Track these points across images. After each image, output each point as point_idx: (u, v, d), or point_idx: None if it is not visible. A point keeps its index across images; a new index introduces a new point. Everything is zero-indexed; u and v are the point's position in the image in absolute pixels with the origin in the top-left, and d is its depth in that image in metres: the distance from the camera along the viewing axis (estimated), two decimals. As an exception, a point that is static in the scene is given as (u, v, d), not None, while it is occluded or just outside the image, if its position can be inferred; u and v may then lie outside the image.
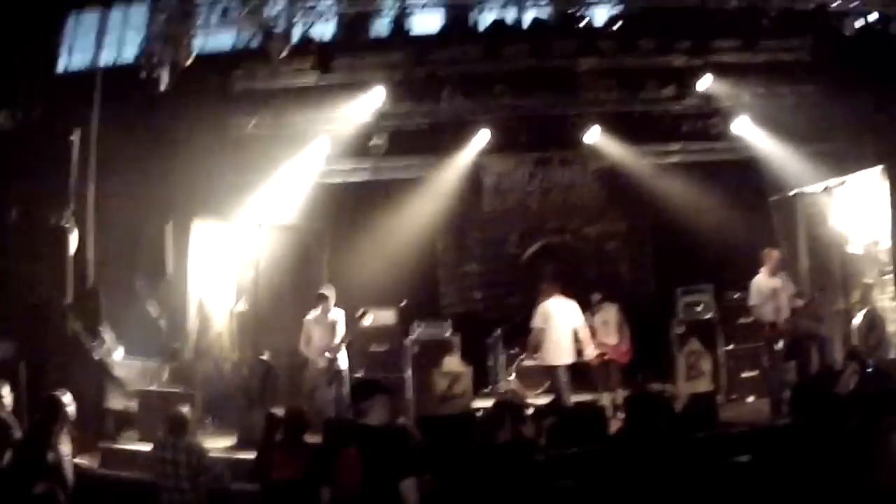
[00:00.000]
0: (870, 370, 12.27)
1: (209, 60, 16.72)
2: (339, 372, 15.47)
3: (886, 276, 16.22)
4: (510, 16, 17.80)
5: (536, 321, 16.02)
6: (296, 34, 16.43)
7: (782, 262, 16.17)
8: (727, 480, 9.45)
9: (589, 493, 9.36)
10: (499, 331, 18.61)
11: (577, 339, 16.06)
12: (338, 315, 15.80)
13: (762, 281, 15.96)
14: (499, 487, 9.30)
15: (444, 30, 18.26)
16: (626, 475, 8.85)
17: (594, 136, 19.93)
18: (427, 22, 18.35)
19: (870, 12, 16.81)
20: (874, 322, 15.21)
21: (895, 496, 7.77)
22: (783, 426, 9.77)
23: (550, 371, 16.27)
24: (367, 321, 16.36)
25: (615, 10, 17.49)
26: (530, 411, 12.69)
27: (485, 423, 10.02)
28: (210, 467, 10.39)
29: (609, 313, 17.38)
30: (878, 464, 8.66)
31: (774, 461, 9.04)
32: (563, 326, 15.96)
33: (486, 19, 18.46)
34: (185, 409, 10.77)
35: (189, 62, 15.39)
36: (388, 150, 19.38)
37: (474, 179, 21.17)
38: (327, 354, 15.36)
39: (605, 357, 17.02)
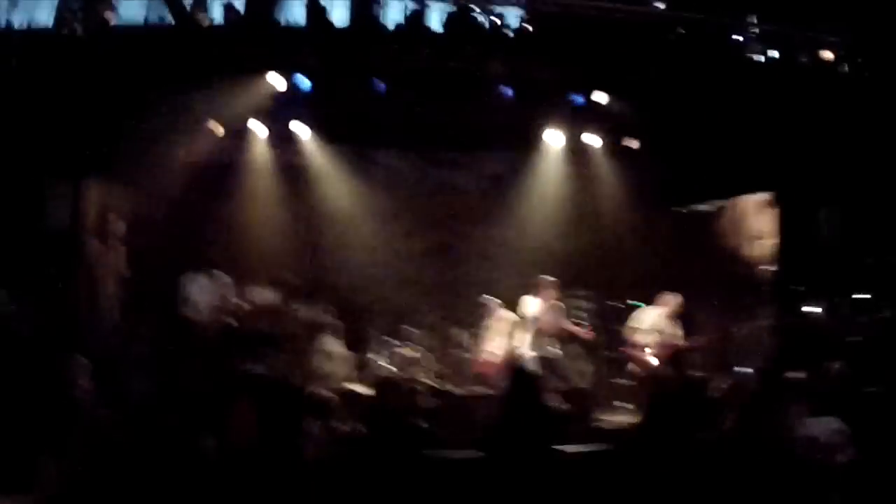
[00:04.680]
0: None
1: (121, 31, 16.59)
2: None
3: (770, 296, 16.90)
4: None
5: None
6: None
7: (682, 305, 16.68)
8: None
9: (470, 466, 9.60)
10: (380, 322, 18.65)
11: None
12: (225, 279, 15.83)
13: (659, 319, 16.85)
14: (390, 451, 9.46)
15: (352, 24, 18.31)
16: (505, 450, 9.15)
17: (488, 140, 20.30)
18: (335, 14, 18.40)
19: (771, 45, 17.31)
20: (758, 339, 15.76)
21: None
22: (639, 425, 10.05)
23: None
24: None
25: (522, 14, 17.68)
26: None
27: (381, 389, 10.11)
28: (105, 420, 10.35)
29: (499, 320, 17.53)
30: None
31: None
32: None
33: (392, 15, 18.67)
34: (84, 361, 10.75)
35: (112, 22, 15.22)
36: (286, 134, 19.54)
37: (364, 173, 21.25)
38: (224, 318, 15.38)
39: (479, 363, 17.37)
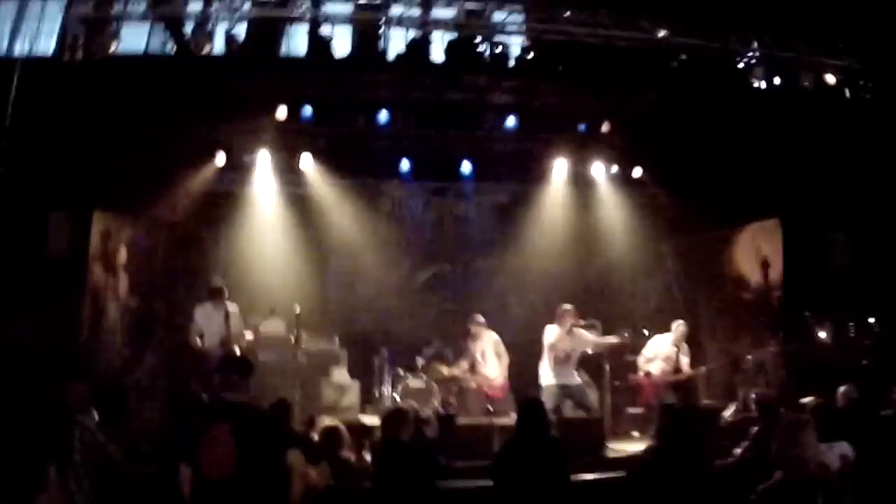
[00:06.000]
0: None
1: (122, 59, 16.61)
2: None
3: (777, 322, 16.87)
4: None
5: None
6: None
7: (688, 333, 16.68)
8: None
9: (482, 499, 9.50)
10: (385, 352, 18.53)
11: None
12: (233, 308, 15.75)
13: (665, 346, 16.77)
14: (399, 482, 9.35)
15: (354, 53, 18.23)
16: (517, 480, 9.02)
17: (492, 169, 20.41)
18: (337, 44, 18.37)
19: (775, 71, 17.34)
20: (763, 366, 15.71)
21: None
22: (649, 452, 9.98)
23: None
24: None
25: (525, 43, 17.76)
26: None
27: (390, 419, 10.02)
28: (102, 445, 10.28)
29: (487, 342, 17.50)
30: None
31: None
32: None
33: (395, 46, 18.63)
34: (83, 386, 10.67)
35: (112, 49, 15.25)
36: (295, 165, 19.56)
37: (371, 203, 21.23)
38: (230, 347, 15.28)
39: (482, 389, 17.30)
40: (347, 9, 17.10)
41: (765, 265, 17.39)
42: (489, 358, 17.34)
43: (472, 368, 17.46)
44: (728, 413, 14.61)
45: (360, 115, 19.33)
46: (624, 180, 20.52)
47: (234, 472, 7.75)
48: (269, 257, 19.44)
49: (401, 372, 17.90)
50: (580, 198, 20.92)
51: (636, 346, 17.59)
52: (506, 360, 17.33)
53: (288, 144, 19.34)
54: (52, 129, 15.88)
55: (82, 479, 9.91)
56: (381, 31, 17.83)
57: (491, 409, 16.87)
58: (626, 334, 17.18)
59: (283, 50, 18.29)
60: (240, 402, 8.14)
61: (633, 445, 15.53)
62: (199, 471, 7.88)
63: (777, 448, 9.58)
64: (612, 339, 16.69)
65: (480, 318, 17.58)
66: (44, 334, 14.89)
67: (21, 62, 15.77)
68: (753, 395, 12.95)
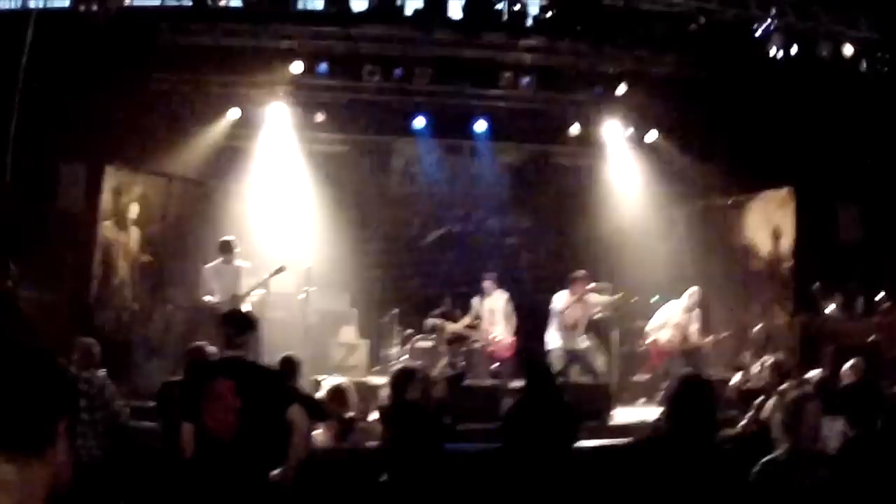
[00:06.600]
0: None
1: (138, 12, 16.55)
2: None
3: (786, 292, 16.78)
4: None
5: None
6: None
7: (701, 300, 16.54)
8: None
9: (488, 460, 9.50)
10: (395, 310, 18.49)
11: None
12: (243, 264, 15.71)
13: (676, 313, 16.57)
14: (406, 443, 9.33)
15: (371, 8, 18.14)
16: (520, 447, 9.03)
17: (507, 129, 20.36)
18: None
19: (793, 40, 17.22)
20: (771, 335, 15.65)
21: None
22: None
23: None
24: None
25: (544, 1, 17.66)
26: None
27: (397, 378, 9.99)
28: (109, 401, 10.30)
29: (497, 301, 17.48)
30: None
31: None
32: None
33: (412, 1, 18.56)
34: (92, 341, 10.68)
35: (128, 2, 15.19)
36: (309, 121, 19.57)
37: (383, 160, 21.20)
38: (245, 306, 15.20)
39: (488, 349, 17.29)
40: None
41: (776, 234, 17.34)
42: (498, 318, 17.30)
43: (473, 326, 17.42)
44: (734, 383, 14.54)
45: (375, 71, 19.24)
46: (638, 144, 20.45)
47: (236, 429, 7.69)
48: (281, 214, 19.42)
49: (410, 332, 17.91)
50: (594, 160, 20.88)
51: (645, 311, 17.53)
52: (514, 321, 17.28)
53: (302, 100, 19.30)
54: (66, 82, 15.85)
55: (89, 435, 9.96)
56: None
57: (497, 370, 16.93)
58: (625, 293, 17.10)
59: (300, 4, 18.24)
60: (238, 357, 8.06)
61: (640, 412, 15.54)
62: (202, 427, 7.84)
63: (780, 421, 9.55)
64: (616, 297, 16.66)
65: (490, 281, 17.50)
66: (53, 288, 14.93)
67: (36, 14, 15.73)
68: (770, 360, 12.88)
